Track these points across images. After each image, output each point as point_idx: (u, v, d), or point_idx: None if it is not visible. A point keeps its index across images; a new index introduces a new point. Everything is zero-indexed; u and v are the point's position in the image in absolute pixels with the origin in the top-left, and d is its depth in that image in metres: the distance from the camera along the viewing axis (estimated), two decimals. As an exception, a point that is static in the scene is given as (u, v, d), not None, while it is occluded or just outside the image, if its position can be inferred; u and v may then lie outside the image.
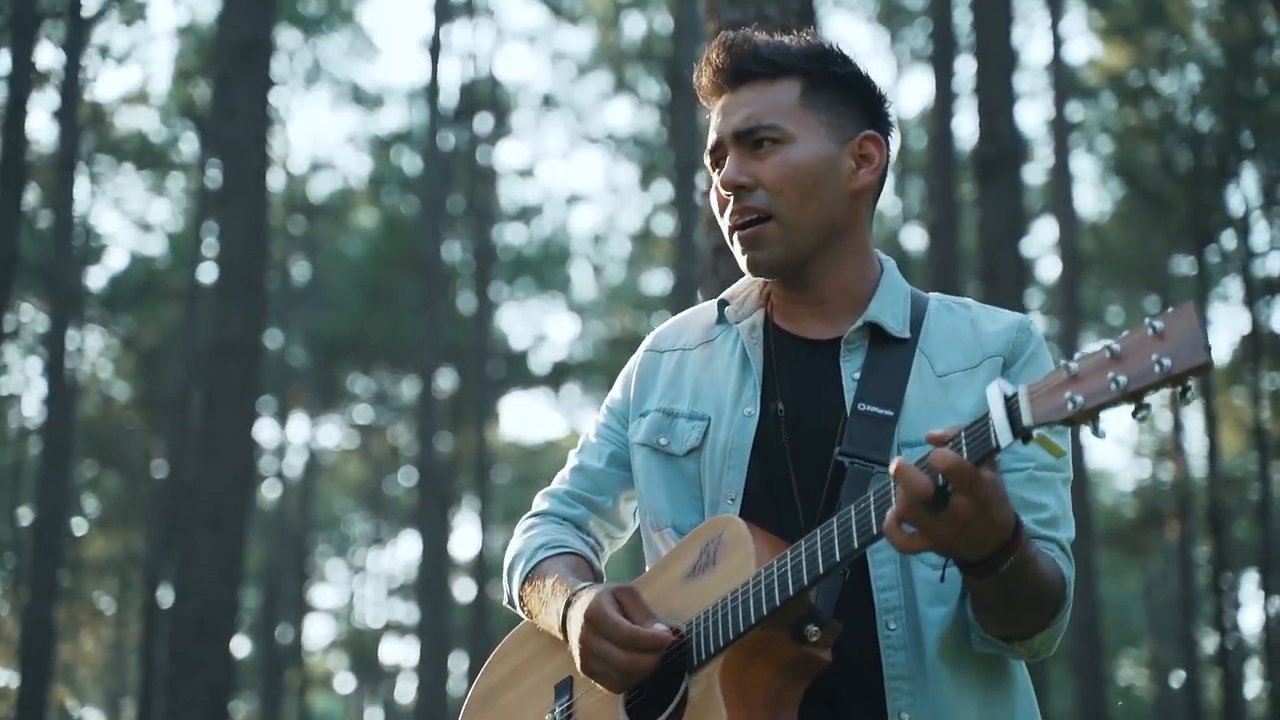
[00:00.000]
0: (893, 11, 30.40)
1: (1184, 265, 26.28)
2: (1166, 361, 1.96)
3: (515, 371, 36.57)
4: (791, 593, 2.35)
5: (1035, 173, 30.79)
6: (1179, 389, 1.99)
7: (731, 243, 2.72)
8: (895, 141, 2.83)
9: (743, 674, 2.44)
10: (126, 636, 41.74)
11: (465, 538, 46.53)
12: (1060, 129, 23.01)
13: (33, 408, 33.72)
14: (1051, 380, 2.08)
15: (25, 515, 33.53)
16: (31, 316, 30.46)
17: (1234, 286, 25.33)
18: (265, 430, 33.79)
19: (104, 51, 29.56)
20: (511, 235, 36.32)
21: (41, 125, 36.07)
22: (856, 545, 2.30)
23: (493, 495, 32.89)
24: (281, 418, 34.91)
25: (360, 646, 43.92)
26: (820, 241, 2.69)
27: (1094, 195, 30.80)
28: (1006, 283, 13.54)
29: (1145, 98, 25.28)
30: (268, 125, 14.93)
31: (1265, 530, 21.66)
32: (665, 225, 32.25)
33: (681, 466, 2.73)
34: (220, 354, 13.95)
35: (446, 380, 31.05)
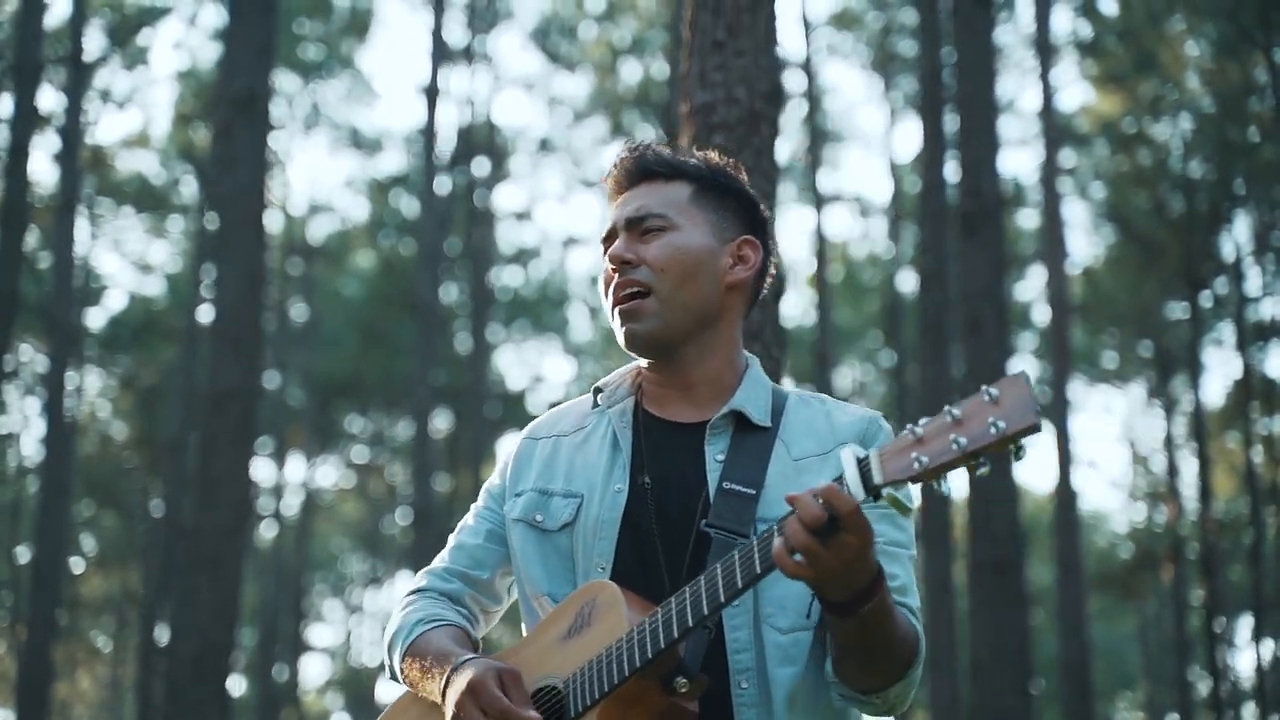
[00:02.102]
0: (886, 59, 30.56)
1: (1177, 310, 26.38)
2: (1001, 424, 2.19)
3: (512, 412, 36.63)
4: (664, 645, 2.54)
5: (1030, 217, 30.98)
6: (1013, 449, 2.20)
7: (612, 318, 2.94)
8: (776, 256, 3.13)
9: None
10: (123, 675, 41.69)
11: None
12: (1051, 176, 23.16)
13: (31, 446, 33.82)
14: (900, 443, 2.30)
15: (23, 554, 33.56)
16: (31, 356, 30.56)
17: (1227, 331, 25.45)
18: (263, 470, 33.85)
19: (105, 95, 29.75)
20: (508, 277, 36.47)
21: (43, 168, 36.19)
22: (724, 599, 2.49)
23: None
24: (279, 458, 34.95)
25: (357, 685, 43.85)
26: (693, 324, 2.92)
27: (1087, 240, 30.91)
28: (989, 335, 13.67)
29: (1138, 144, 25.45)
30: (266, 176, 15.05)
31: (1258, 574, 21.75)
32: (660, 269, 32.31)
33: (556, 541, 2.93)
34: (218, 400, 14.07)
35: (443, 421, 31.15)
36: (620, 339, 2.93)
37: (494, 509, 3.11)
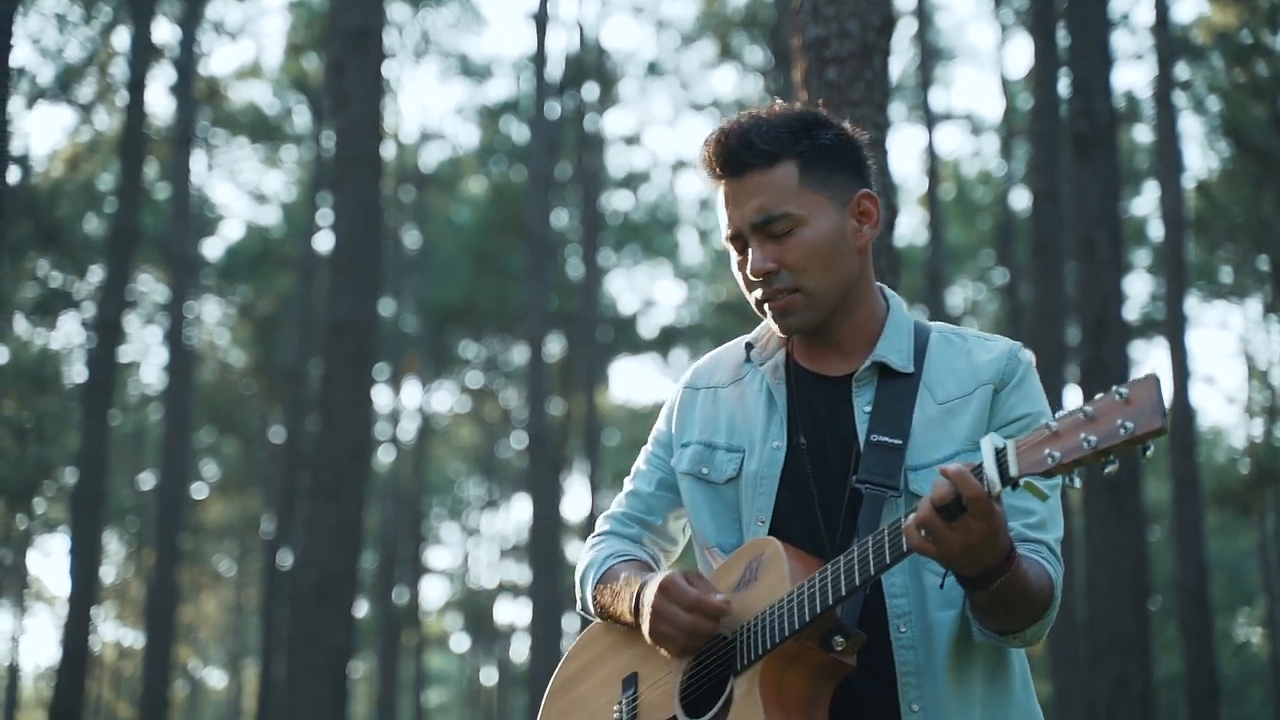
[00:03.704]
0: (997, -26, 30.22)
1: (1295, 223, 25.97)
2: (1130, 425, 2.31)
3: (624, 337, 36.84)
4: (820, 609, 2.69)
5: (1144, 132, 30.59)
6: (1141, 448, 2.32)
7: (762, 310, 3.02)
8: (879, 183, 3.20)
9: (780, 678, 2.78)
10: (246, 599, 42.55)
11: (576, 500, 46.78)
12: (1166, 91, 22.83)
13: (153, 375, 34.54)
14: (1036, 436, 2.43)
15: (147, 480, 34.31)
16: (151, 286, 31.16)
17: (1346, 245, 25.06)
18: (380, 396, 34.22)
19: (218, 27, 30.10)
20: (619, 202, 36.52)
21: (159, 100, 36.68)
22: (873, 570, 2.63)
23: (602, 458, 33.08)
24: (395, 384, 35.32)
25: (475, 607, 44.46)
26: (841, 297, 3.00)
27: (1202, 155, 30.47)
28: (1103, 256, 13.57)
29: (1255, 56, 25.00)
30: (380, 109, 15.19)
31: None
32: (771, 190, 32.17)
33: (722, 493, 3.08)
34: (336, 332, 14.27)
35: (556, 345, 31.36)
36: (774, 329, 3.03)
37: (663, 457, 3.27)
